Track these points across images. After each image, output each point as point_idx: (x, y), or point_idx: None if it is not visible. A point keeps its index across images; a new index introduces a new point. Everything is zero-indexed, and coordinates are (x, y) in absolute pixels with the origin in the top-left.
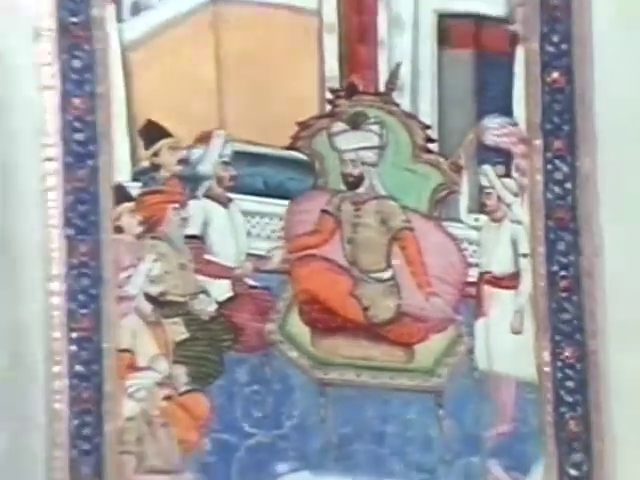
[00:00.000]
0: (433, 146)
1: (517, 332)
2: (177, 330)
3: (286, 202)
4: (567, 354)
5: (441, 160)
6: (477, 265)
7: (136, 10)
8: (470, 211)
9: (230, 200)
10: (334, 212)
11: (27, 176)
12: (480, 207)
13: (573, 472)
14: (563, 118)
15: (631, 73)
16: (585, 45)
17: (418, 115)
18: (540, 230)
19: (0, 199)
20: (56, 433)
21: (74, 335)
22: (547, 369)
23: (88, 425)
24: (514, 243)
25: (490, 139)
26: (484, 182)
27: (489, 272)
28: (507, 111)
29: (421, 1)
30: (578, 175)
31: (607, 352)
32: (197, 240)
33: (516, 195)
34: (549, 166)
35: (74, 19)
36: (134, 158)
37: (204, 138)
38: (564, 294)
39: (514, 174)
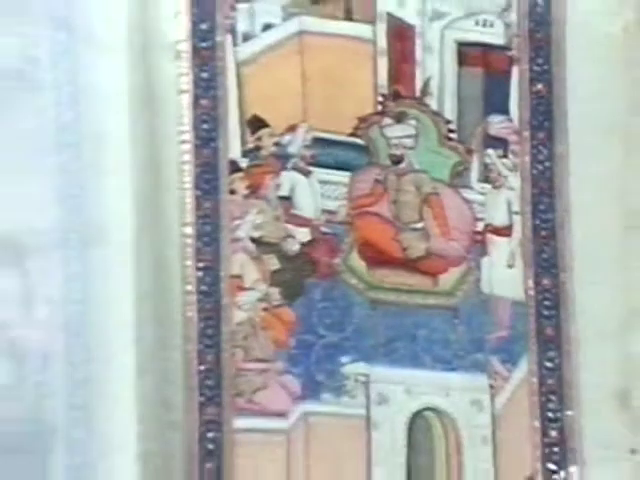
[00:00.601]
0: (453, 135)
1: (510, 267)
2: (272, 262)
3: (349, 174)
4: (545, 282)
5: (459, 145)
6: (482, 219)
7: (246, 38)
8: (478, 181)
9: (310, 172)
10: (383, 181)
11: (169, 154)
12: (485, 178)
13: (548, 364)
14: (545, 117)
15: (593, 86)
16: (560, 66)
17: (443, 113)
18: (527, 195)
19: (150, 171)
20: (189, 332)
21: (200, 265)
22: (531, 293)
23: (210, 327)
24: (509, 204)
25: (493, 131)
26: (488, 161)
27: (491, 224)
28: (505, 111)
29: (446, 34)
30: (555, 157)
31: (573, 282)
32: (286, 200)
33: (511, 170)
34: (534, 150)
35: (203, 44)
36: (243, 141)
37: (292, 128)
38: (544, 241)
39: (510, 156)
